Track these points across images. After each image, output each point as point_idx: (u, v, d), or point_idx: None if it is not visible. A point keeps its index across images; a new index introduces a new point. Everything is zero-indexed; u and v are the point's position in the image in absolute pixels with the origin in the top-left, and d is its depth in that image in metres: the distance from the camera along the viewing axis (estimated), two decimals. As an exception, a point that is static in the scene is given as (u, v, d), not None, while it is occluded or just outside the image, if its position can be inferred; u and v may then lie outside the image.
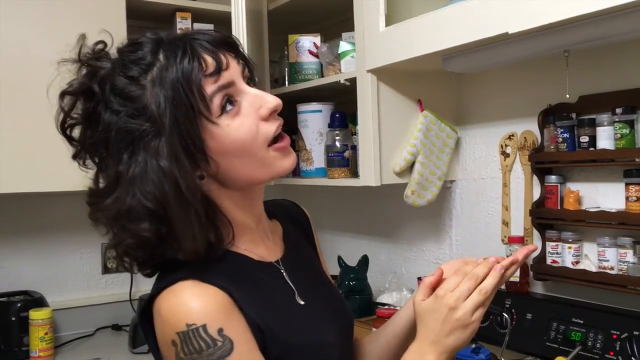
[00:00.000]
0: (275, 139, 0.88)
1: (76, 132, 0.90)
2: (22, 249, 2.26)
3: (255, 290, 0.88)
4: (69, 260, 2.35)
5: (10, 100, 1.93)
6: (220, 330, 0.80)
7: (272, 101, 0.87)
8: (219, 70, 0.83)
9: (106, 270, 2.42)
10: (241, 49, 0.90)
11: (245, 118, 0.85)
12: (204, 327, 0.79)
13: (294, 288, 0.95)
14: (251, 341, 0.83)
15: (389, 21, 1.64)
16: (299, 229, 1.10)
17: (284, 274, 0.96)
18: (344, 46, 1.89)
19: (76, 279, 2.36)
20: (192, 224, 0.82)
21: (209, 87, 0.83)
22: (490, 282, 0.89)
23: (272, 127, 0.87)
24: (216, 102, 0.83)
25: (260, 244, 0.96)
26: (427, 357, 0.88)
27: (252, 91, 0.87)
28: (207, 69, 0.83)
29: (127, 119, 0.82)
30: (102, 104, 0.83)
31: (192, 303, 0.80)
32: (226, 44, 0.87)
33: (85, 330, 2.30)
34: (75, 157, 0.89)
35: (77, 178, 2.17)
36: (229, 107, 0.85)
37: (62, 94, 0.87)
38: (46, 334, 1.99)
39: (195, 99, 0.81)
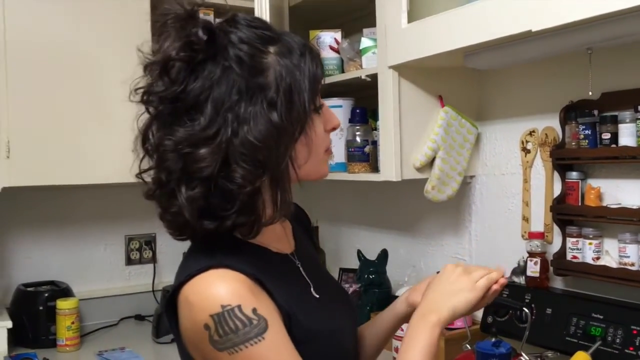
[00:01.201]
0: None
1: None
2: (48, 241, 2.32)
3: (278, 279, 0.92)
4: (94, 252, 2.41)
5: (38, 92, 1.97)
6: (254, 310, 0.82)
7: (337, 120, 0.99)
8: (323, 75, 0.94)
9: (129, 261, 2.48)
10: None
11: (321, 124, 0.96)
12: (239, 307, 0.82)
13: (309, 281, 1.00)
14: (280, 321, 0.87)
15: (411, 18, 1.65)
16: (303, 228, 1.16)
17: (300, 267, 1.01)
18: (365, 42, 1.90)
19: (101, 270, 2.41)
20: (290, 182, 0.91)
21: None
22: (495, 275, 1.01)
23: (328, 140, 1.00)
24: (319, 100, 0.94)
25: (275, 237, 1.00)
26: (429, 316, 0.95)
27: (326, 106, 0.98)
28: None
29: (242, 73, 0.86)
30: (220, 54, 0.86)
31: (224, 287, 0.83)
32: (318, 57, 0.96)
33: (109, 320, 2.36)
34: (153, 93, 0.88)
35: (104, 171, 2.22)
36: (319, 107, 0.95)
37: (183, 27, 0.86)
38: (73, 323, 2.05)
39: (316, 89, 0.91)
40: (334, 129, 0.98)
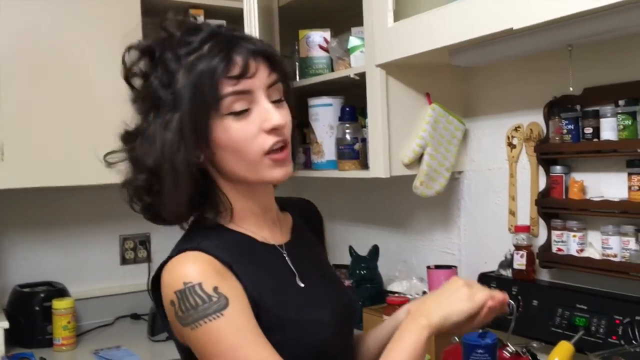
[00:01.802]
0: (276, 151, 0.96)
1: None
2: (44, 242, 2.34)
3: (256, 267, 0.97)
4: (89, 252, 2.43)
5: (31, 94, 1.99)
6: (215, 288, 0.88)
7: (275, 119, 0.94)
8: (241, 76, 0.92)
9: (124, 261, 2.50)
10: (281, 65, 0.99)
11: (249, 124, 0.94)
12: (200, 284, 0.87)
13: (294, 271, 1.03)
14: (245, 302, 0.91)
15: (397, 17, 1.68)
16: (309, 224, 1.19)
17: (286, 257, 1.03)
18: (353, 41, 1.93)
19: (96, 270, 2.43)
20: (179, 191, 0.93)
21: (226, 88, 0.92)
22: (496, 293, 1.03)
23: (269, 141, 0.95)
24: (226, 102, 0.92)
25: (264, 228, 1.04)
26: (420, 318, 0.96)
27: (265, 105, 0.94)
28: (231, 72, 0.92)
29: (159, 86, 0.93)
30: (154, 67, 0.95)
31: (190, 266, 0.90)
32: (266, 56, 0.96)
33: (105, 320, 2.38)
34: (133, 102, 1.00)
35: (98, 173, 2.24)
36: (238, 110, 0.93)
37: (129, 49, 0.98)
38: (69, 322, 2.07)
39: (209, 94, 0.91)
40: (274, 129, 0.94)
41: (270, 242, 1.04)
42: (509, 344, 1.41)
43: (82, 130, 2.06)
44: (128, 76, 0.98)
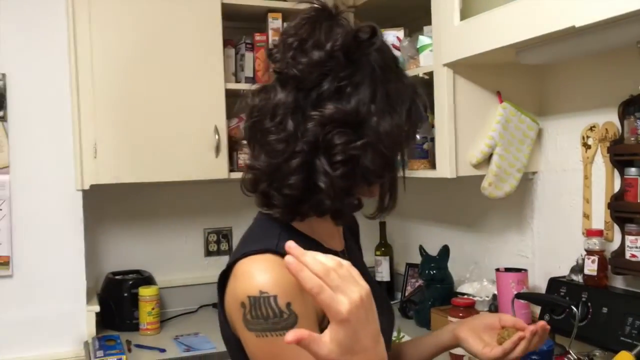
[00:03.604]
0: None
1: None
2: (135, 233, 2.51)
3: None
4: (175, 244, 2.58)
5: (121, 95, 2.14)
6: (288, 304, 0.86)
7: None
8: None
9: (208, 253, 2.64)
10: None
11: None
12: (275, 297, 0.86)
13: None
14: (314, 319, 0.90)
15: (463, 15, 1.66)
16: (351, 232, 1.22)
17: None
18: (422, 40, 1.92)
19: (181, 261, 2.58)
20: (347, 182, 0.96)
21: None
22: None
23: None
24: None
25: (328, 233, 1.05)
26: None
27: None
28: None
29: (366, 67, 0.95)
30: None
31: (269, 273, 0.87)
32: None
33: (189, 307, 2.52)
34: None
35: (185, 169, 2.36)
36: None
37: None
38: (153, 309, 2.21)
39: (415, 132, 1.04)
40: None
41: (335, 248, 1.05)
42: (571, 352, 1.37)
43: (170, 130, 2.18)
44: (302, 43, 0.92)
